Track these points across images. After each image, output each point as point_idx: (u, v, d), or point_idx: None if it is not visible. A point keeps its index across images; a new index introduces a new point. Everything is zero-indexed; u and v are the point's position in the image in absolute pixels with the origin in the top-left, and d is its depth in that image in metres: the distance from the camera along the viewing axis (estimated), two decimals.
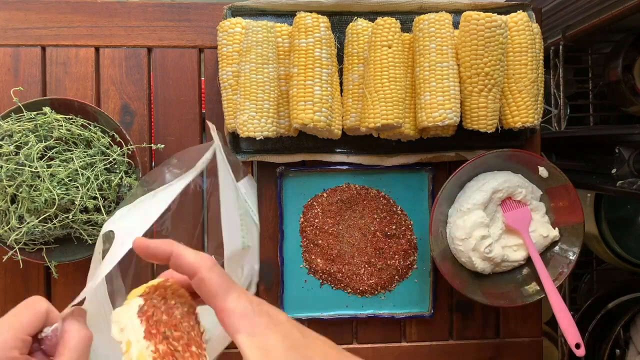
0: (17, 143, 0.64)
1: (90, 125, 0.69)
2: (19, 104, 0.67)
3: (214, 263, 0.37)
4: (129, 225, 0.47)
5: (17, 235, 0.64)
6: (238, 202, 0.50)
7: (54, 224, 0.64)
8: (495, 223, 0.72)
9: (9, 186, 0.63)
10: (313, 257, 0.75)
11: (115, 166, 0.68)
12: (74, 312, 0.40)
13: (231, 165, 0.62)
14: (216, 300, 0.36)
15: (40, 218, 0.64)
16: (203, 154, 0.50)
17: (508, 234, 0.73)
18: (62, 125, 0.66)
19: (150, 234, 0.54)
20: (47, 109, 0.67)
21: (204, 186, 0.67)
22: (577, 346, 0.64)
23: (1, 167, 0.63)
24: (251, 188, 0.68)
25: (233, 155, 0.72)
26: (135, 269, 0.58)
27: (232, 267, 0.50)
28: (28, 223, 0.63)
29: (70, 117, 0.68)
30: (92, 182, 0.65)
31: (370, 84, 0.66)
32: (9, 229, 0.64)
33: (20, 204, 0.64)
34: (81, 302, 0.42)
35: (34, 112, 0.67)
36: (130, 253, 0.43)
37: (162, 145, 0.72)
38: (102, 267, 0.44)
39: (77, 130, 0.67)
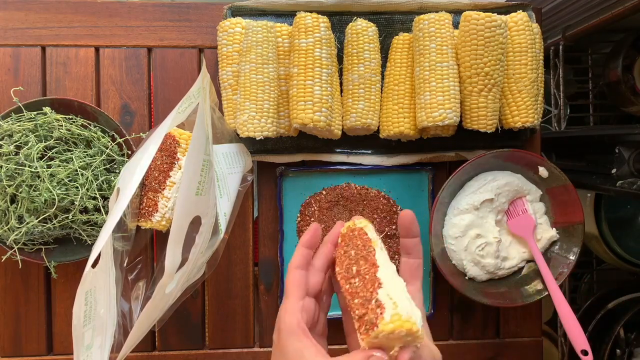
0: (17, 143, 0.64)
1: (90, 125, 0.69)
2: (19, 104, 0.67)
3: None
4: (128, 177, 0.58)
5: (16, 235, 0.64)
6: (205, 149, 0.51)
7: (54, 224, 0.64)
8: (503, 230, 0.73)
9: (9, 186, 0.63)
10: None
11: (115, 166, 0.68)
12: None
13: (216, 120, 0.70)
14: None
15: (39, 218, 0.64)
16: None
17: (515, 242, 0.73)
18: (62, 125, 0.66)
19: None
20: (47, 109, 0.67)
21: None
22: (585, 353, 0.63)
23: (1, 167, 0.63)
24: (239, 155, 0.70)
25: (223, 118, 0.72)
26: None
27: (184, 212, 0.51)
28: (27, 223, 0.63)
29: (70, 117, 0.68)
30: (92, 182, 0.65)
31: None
32: (8, 228, 0.64)
33: (19, 204, 0.64)
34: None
35: (34, 112, 0.67)
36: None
37: None
38: (109, 219, 0.54)
39: (77, 130, 0.67)
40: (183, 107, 0.59)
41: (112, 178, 0.67)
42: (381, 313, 0.37)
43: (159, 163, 0.68)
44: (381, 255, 0.43)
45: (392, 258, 0.75)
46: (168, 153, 0.68)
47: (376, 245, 0.44)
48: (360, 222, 0.47)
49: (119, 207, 0.54)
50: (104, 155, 0.67)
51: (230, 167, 0.69)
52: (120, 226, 0.66)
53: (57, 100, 0.68)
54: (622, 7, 0.81)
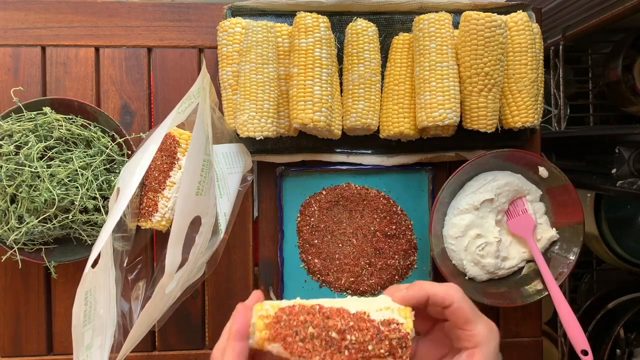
0: (17, 143, 0.64)
1: (90, 125, 0.69)
2: (19, 104, 0.67)
3: (461, 291, 0.42)
4: (128, 177, 0.56)
5: (16, 235, 0.64)
6: (205, 149, 0.51)
7: (54, 224, 0.64)
8: (503, 230, 0.73)
9: (9, 186, 0.63)
10: (310, 257, 0.75)
11: (115, 166, 0.68)
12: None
13: (216, 120, 0.70)
14: (467, 325, 0.41)
15: (39, 218, 0.64)
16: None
17: (515, 242, 0.73)
18: (62, 125, 0.66)
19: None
20: (47, 109, 0.67)
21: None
22: (585, 353, 0.64)
23: (1, 167, 0.63)
24: (239, 155, 0.70)
25: (223, 118, 0.72)
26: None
27: (184, 212, 0.51)
28: (27, 223, 0.63)
29: (70, 117, 0.68)
30: (92, 182, 0.65)
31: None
32: (8, 228, 0.64)
33: (20, 204, 0.64)
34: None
35: (34, 112, 0.67)
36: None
37: None
38: (109, 219, 0.53)
39: (77, 130, 0.67)
40: (183, 107, 0.59)
41: (112, 178, 0.67)
42: (396, 325, 0.38)
43: (159, 163, 0.68)
44: (328, 301, 0.40)
45: (391, 258, 0.75)
46: (168, 153, 0.68)
47: (312, 302, 0.40)
48: (264, 307, 0.39)
49: (119, 207, 0.54)
50: (104, 156, 0.67)
51: (230, 167, 0.69)
52: (120, 226, 0.66)
53: (57, 100, 0.68)
54: (622, 7, 0.81)
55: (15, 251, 0.66)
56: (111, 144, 0.68)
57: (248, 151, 0.73)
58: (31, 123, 0.65)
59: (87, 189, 0.64)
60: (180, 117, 0.60)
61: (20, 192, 0.63)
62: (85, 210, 0.66)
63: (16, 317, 0.72)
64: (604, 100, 1.08)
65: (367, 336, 0.38)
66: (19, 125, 0.65)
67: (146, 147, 0.60)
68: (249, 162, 0.73)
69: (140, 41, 0.75)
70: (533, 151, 0.76)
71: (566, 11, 0.98)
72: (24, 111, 0.67)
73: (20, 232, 0.64)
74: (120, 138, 0.69)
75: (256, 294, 0.41)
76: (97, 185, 0.65)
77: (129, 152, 0.69)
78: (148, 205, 0.68)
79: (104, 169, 0.67)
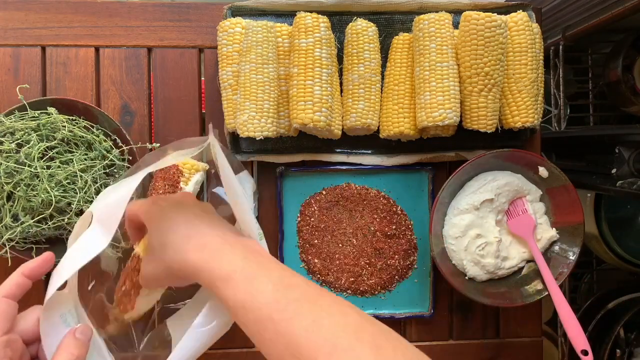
0: (18, 141, 0.64)
1: (92, 127, 0.68)
2: (24, 102, 0.66)
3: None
4: (105, 207, 0.48)
5: (10, 234, 0.63)
6: (244, 195, 0.50)
7: (49, 225, 0.64)
8: (503, 230, 0.73)
9: (7, 184, 0.62)
10: (310, 257, 0.75)
11: (115, 170, 0.68)
12: (78, 329, 0.45)
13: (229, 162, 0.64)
14: None
15: (35, 219, 0.63)
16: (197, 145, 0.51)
17: (515, 242, 0.73)
18: (65, 127, 0.66)
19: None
20: (52, 110, 0.66)
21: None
22: (585, 353, 0.63)
23: (0, 164, 0.62)
24: (247, 183, 0.69)
25: (232, 155, 0.72)
26: None
27: None
28: (23, 223, 0.63)
29: (73, 117, 0.68)
30: (90, 185, 0.65)
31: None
32: (2, 226, 0.64)
33: (16, 203, 0.63)
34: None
35: (38, 112, 0.66)
36: None
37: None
38: (77, 253, 0.46)
39: (80, 132, 0.66)
40: (174, 154, 0.53)
41: (111, 182, 0.67)
42: None
43: (160, 192, 0.67)
44: None
45: (391, 258, 0.75)
46: (171, 182, 0.67)
47: None
48: None
49: (96, 245, 0.46)
50: (106, 161, 0.66)
51: (247, 196, 0.69)
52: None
53: (59, 100, 0.68)
54: (622, 7, 0.81)
55: (7, 250, 0.64)
56: (114, 150, 0.67)
57: (250, 175, 0.73)
58: (34, 122, 0.65)
59: (85, 192, 0.64)
60: (169, 162, 0.54)
61: (18, 191, 0.62)
62: (81, 213, 0.66)
63: None
64: (604, 100, 1.08)
65: None
66: (22, 124, 0.65)
67: (127, 181, 0.51)
68: (253, 185, 0.73)
69: (140, 41, 0.75)
70: (533, 151, 0.76)
71: (566, 11, 0.98)
72: (28, 109, 0.66)
73: (15, 231, 0.63)
74: (119, 138, 0.68)
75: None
76: (95, 189, 0.65)
77: (130, 158, 0.69)
78: None
79: (104, 172, 0.67)
